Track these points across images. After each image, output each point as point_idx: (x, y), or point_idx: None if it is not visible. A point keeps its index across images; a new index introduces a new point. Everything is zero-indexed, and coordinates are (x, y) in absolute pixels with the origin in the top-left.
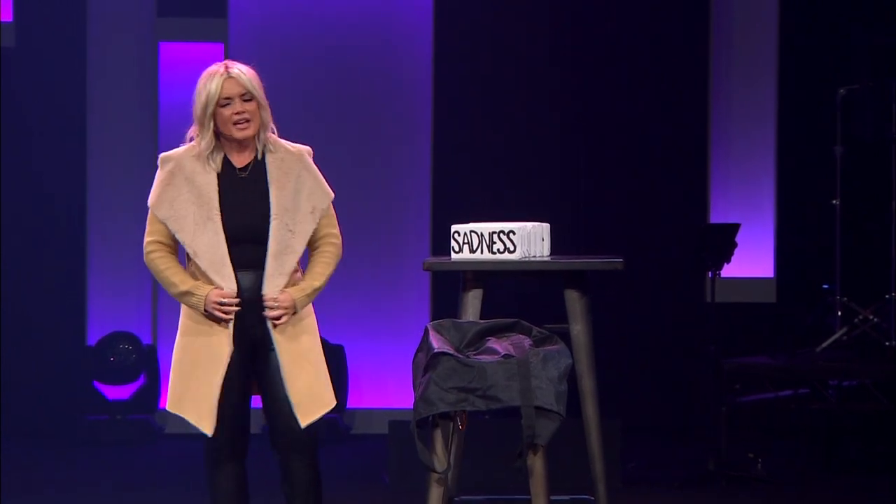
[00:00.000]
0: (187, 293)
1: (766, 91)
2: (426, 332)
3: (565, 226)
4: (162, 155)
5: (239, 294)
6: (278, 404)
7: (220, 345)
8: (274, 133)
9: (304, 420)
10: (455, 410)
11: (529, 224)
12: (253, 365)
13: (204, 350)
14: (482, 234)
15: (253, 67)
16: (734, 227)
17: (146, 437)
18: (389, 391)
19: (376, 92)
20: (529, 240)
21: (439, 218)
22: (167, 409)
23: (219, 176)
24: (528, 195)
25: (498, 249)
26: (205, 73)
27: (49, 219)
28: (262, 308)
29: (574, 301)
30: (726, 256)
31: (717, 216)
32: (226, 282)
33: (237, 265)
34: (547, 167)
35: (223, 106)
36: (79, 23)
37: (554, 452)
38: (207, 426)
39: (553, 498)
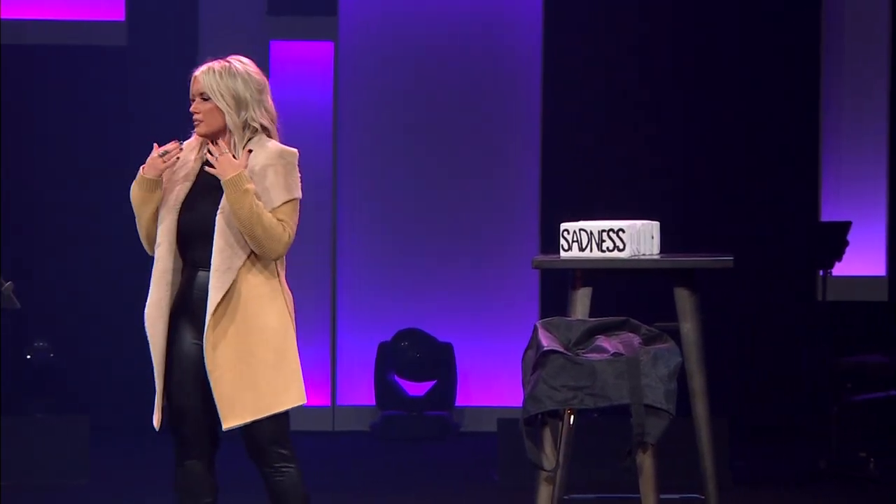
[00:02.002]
0: (134, 185)
1: (877, 87)
2: (535, 330)
3: (675, 223)
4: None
5: (191, 293)
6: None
7: (160, 342)
8: (271, 135)
9: (226, 424)
10: (564, 408)
11: (639, 222)
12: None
13: (169, 345)
14: (591, 232)
15: (231, 69)
16: (846, 225)
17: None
18: (498, 389)
19: (485, 90)
20: (639, 238)
21: (548, 216)
22: None
23: (200, 171)
24: (637, 193)
25: (607, 247)
26: None
27: None
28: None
29: (684, 299)
30: (838, 255)
31: (828, 214)
32: (157, 286)
33: (193, 264)
34: (657, 164)
35: (191, 103)
36: (190, 21)
37: (663, 451)
38: (156, 421)
39: (663, 497)
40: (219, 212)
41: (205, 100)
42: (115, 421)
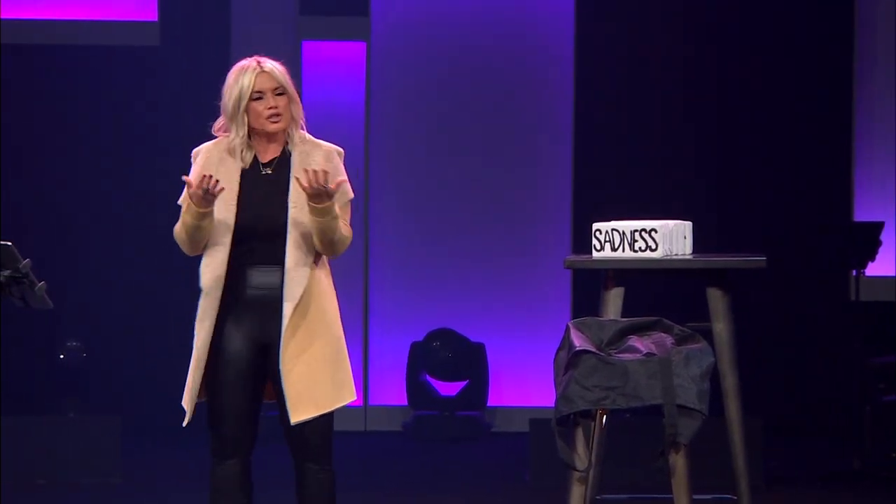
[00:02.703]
0: (185, 213)
1: None
2: (567, 330)
3: (707, 223)
4: (194, 150)
5: (245, 293)
6: (282, 404)
7: (203, 339)
8: (304, 129)
9: (295, 417)
10: (596, 408)
11: (671, 222)
12: (264, 365)
13: (215, 344)
14: (623, 232)
15: (283, 64)
16: (878, 226)
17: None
18: (530, 389)
19: (517, 90)
20: (671, 238)
21: (580, 216)
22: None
23: (244, 171)
24: (669, 193)
25: (639, 247)
26: (235, 68)
27: None
28: (279, 307)
29: (716, 299)
30: (871, 255)
31: (861, 214)
32: (213, 285)
33: (254, 262)
34: (689, 164)
35: (255, 100)
36: (222, 21)
37: (696, 451)
38: (187, 416)
39: (695, 497)
40: (290, 209)
41: (278, 95)
42: (146, 420)
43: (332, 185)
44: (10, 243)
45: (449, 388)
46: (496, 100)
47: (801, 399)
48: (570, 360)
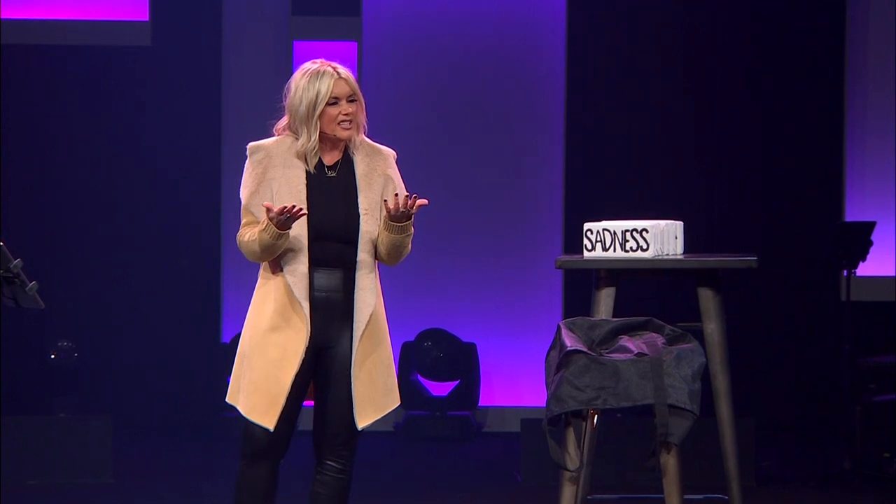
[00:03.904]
0: (261, 231)
1: None
2: (559, 329)
3: (699, 224)
4: (251, 144)
5: (312, 294)
6: (337, 405)
7: (296, 341)
8: (365, 132)
9: (362, 422)
10: (588, 408)
11: (662, 222)
12: (314, 365)
13: (277, 345)
14: (615, 233)
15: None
16: (870, 226)
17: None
18: (522, 389)
19: (508, 90)
20: (662, 238)
21: (571, 216)
22: (227, 400)
23: (308, 173)
24: (661, 193)
25: (631, 247)
26: (308, 71)
27: (184, 217)
28: (342, 308)
29: (708, 299)
30: (862, 255)
31: (852, 214)
32: (298, 279)
33: (319, 264)
34: (680, 164)
35: (331, 105)
36: (214, 21)
37: (687, 451)
38: (270, 421)
39: (687, 497)
40: (363, 213)
41: (351, 101)
42: (138, 420)
43: (415, 209)
44: (1, 243)
45: (440, 388)
46: (488, 100)
47: (793, 399)
48: (561, 360)
